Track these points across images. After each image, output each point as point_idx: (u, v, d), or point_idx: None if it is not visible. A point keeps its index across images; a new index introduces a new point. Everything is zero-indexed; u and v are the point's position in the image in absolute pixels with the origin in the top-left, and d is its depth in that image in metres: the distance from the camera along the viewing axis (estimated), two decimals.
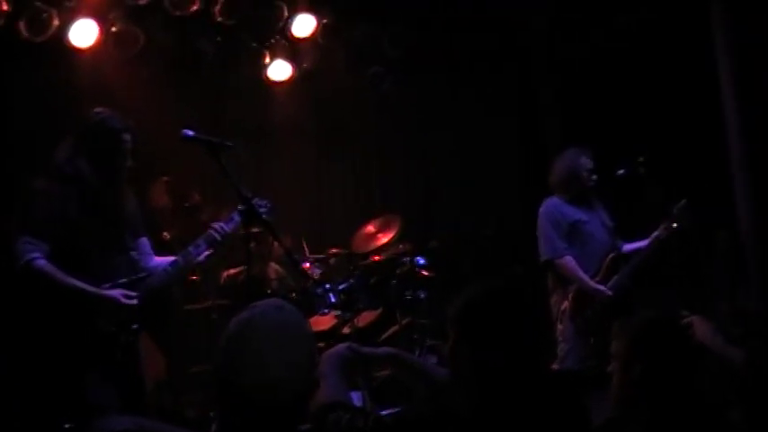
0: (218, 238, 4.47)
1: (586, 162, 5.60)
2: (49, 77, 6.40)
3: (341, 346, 2.85)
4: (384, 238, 6.87)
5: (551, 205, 5.64)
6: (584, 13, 7.29)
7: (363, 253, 6.79)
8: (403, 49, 7.58)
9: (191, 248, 4.46)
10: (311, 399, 2.32)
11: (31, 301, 4.21)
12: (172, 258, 4.49)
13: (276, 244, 5.85)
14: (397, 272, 6.62)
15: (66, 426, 4.46)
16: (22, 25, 6.18)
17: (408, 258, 6.73)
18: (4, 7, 6.09)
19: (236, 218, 4.45)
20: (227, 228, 4.50)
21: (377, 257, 6.74)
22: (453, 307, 2.59)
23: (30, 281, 4.12)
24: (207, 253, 4.51)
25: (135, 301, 4.22)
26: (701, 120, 6.85)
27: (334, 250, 6.73)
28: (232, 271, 6.40)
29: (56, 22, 6.30)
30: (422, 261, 6.81)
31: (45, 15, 6.27)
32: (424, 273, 6.76)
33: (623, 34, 7.32)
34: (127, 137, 4.35)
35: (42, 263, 4.08)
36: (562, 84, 7.92)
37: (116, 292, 4.18)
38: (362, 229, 6.94)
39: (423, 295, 6.72)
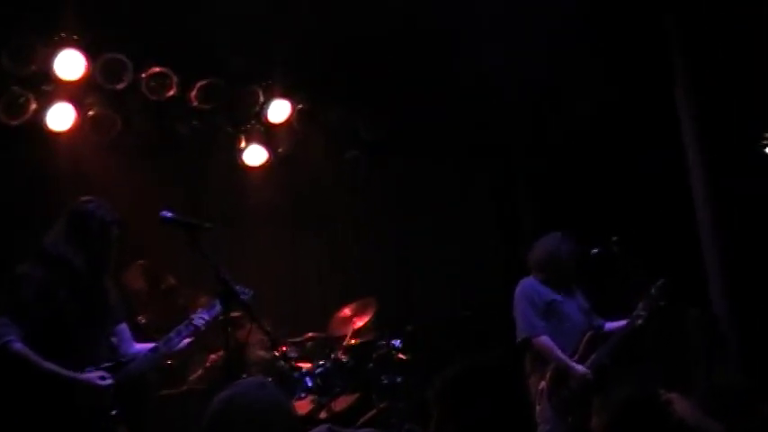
0: (201, 327, 4.46)
1: (568, 249, 5.66)
2: (25, 161, 6.39)
3: (322, 428, 2.84)
4: (360, 322, 6.83)
5: (527, 285, 5.67)
6: (555, 98, 7.44)
7: (339, 337, 6.75)
8: (379, 133, 7.68)
9: (172, 335, 4.44)
10: None
11: (6, 383, 4.16)
12: (152, 345, 4.47)
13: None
14: (374, 355, 6.58)
15: None
16: None
17: (384, 342, 6.70)
18: None
19: (218, 306, 4.43)
20: (208, 316, 4.50)
21: (353, 341, 6.69)
22: (435, 385, 2.59)
23: (4, 363, 4.08)
24: (188, 341, 4.49)
25: (110, 382, 4.18)
26: (670, 197, 6.97)
27: (310, 334, 6.69)
28: (213, 356, 6.34)
29: (33, 106, 6.38)
30: (398, 344, 6.76)
31: (22, 99, 6.35)
32: (401, 356, 6.71)
33: (591, 119, 7.46)
34: (116, 229, 4.42)
35: (18, 346, 4.06)
36: (537, 168, 8.03)
37: (92, 375, 4.15)
38: (338, 313, 6.89)
39: (399, 379, 6.66)
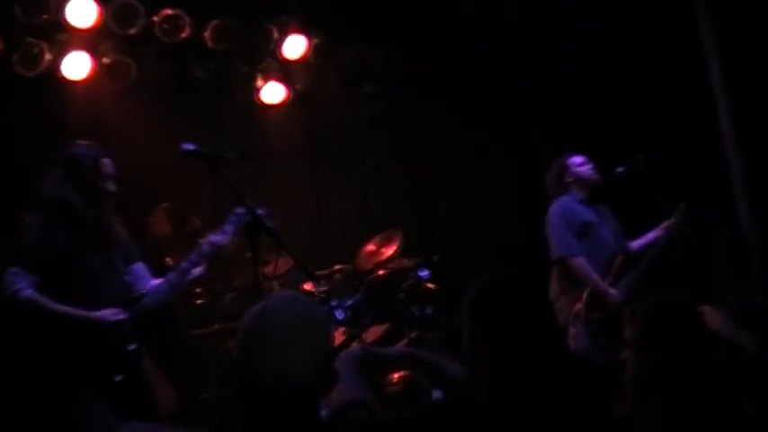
0: (210, 249, 4.46)
1: (578, 160, 5.63)
2: (43, 111, 6.38)
3: (355, 348, 2.87)
4: (387, 253, 6.85)
5: (563, 204, 5.61)
6: (574, 19, 7.31)
7: (367, 270, 6.77)
8: (395, 67, 7.61)
9: (184, 264, 4.46)
10: (330, 391, 2.29)
11: (21, 329, 4.27)
12: (166, 278, 4.49)
13: (279, 261, 5.82)
14: (402, 286, 6.60)
15: None
16: (14, 60, 6.23)
17: (412, 273, 6.72)
18: None
19: (229, 229, 4.45)
20: (219, 239, 4.48)
21: (381, 272, 6.71)
22: (467, 298, 2.58)
23: (16, 310, 4.17)
24: (202, 268, 4.52)
25: (123, 317, 4.22)
26: (695, 119, 6.86)
27: (338, 267, 6.72)
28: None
29: (48, 56, 6.35)
30: (425, 274, 6.78)
31: (37, 50, 6.32)
32: (429, 286, 6.73)
33: (613, 40, 7.34)
34: (107, 161, 4.41)
35: (29, 292, 4.13)
36: (555, 91, 7.93)
37: (104, 312, 4.20)
38: (364, 247, 6.92)
39: (429, 309, 6.69)
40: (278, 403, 2.17)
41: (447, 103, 7.86)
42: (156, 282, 4.53)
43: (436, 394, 5.42)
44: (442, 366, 2.89)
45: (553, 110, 7.99)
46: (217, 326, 6.14)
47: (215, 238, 4.49)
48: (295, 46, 7.16)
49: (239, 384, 2.21)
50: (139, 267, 4.58)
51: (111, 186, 4.40)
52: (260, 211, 4.32)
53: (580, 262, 5.42)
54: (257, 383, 2.17)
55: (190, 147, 4.28)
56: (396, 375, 6.07)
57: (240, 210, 4.38)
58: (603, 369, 4.54)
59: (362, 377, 2.76)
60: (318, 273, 6.53)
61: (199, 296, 6.24)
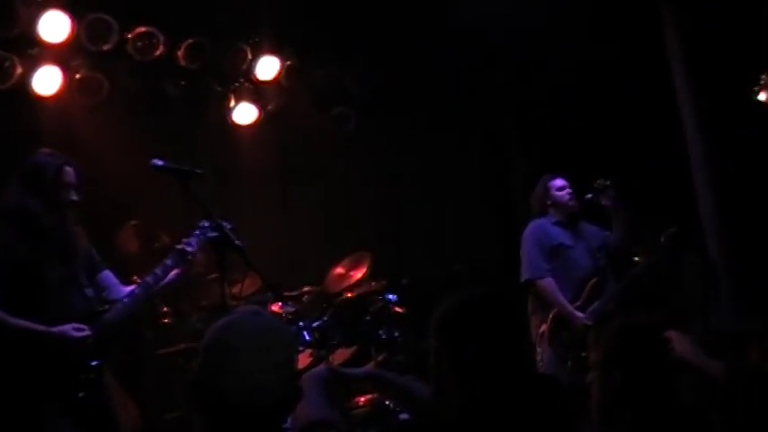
0: (187, 253, 4.39)
1: (558, 183, 5.68)
2: (14, 125, 6.34)
3: (321, 368, 2.84)
4: (356, 276, 6.85)
5: (537, 226, 5.70)
6: (544, 49, 7.38)
7: (336, 292, 6.75)
8: (366, 87, 7.64)
9: (157, 270, 4.37)
10: (294, 406, 2.28)
11: None
12: (139, 282, 4.42)
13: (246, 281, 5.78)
14: (371, 309, 6.58)
15: None
16: None
17: (380, 296, 6.71)
18: None
19: (193, 242, 4.40)
20: (192, 244, 4.41)
21: (349, 294, 6.70)
22: (434, 315, 2.58)
23: None
24: (176, 272, 4.42)
25: (86, 333, 4.12)
26: (663, 141, 6.96)
27: (306, 288, 6.70)
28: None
29: (19, 70, 6.31)
30: (393, 297, 6.77)
31: (7, 63, 6.28)
32: (398, 309, 6.72)
33: (582, 67, 7.42)
34: (69, 170, 4.30)
35: None
36: (528, 118, 7.99)
37: (66, 327, 4.09)
38: (333, 269, 6.91)
39: (396, 332, 6.68)
40: (241, 417, 2.15)
41: (418, 123, 7.90)
42: (129, 289, 4.44)
43: (403, 417, 5.41)
44: (407, 386, 2.87)
45: (527, 127, 8.05)
46: (183, 345, 6.09)
47: (190, 242, 4.42)
48: (268, 67, 7.19)
49: (202, 398, 2.19)
50: (108, 275, 4.49)
51: (74, 196, 4.28)
52: (226, 225, 4.26)
53: (547, 284, 5.50)
54: (220, 397, 2.15)
55: (159, 162, 4.24)
56: (362, 398, 6.05)
57: (205, 223, 4.33)
58: (570, 390, 4.55)
59: (328, 397, 2.74)
60: (287, 294, 6.52)
61: (165, 315, 6.20)
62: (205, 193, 4.28)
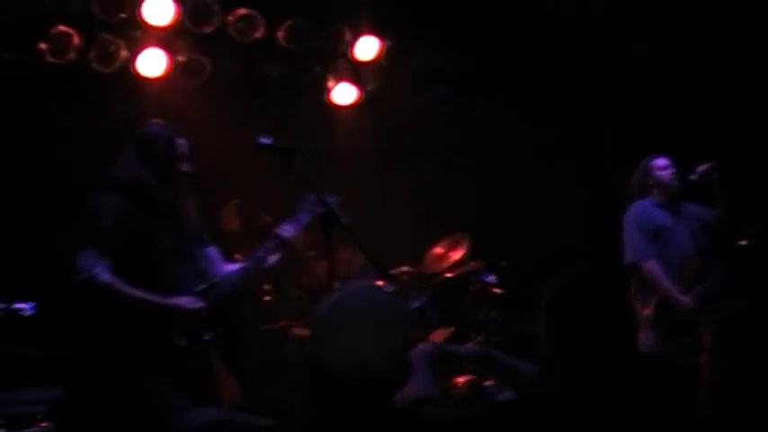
0: (284, 237, 4.42)
1: (661, 163, 5.57)
2: (118, 107, 6.48)
3: (427, 345, 2.83)
4: (454, 257, 6.82)
5: (638, 208, 5.62)
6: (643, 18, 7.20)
7: (434, 272, 6.74)
8: (465, 70, 7.58)
9: (258, 252, 4.42)
10: (404, 383, 2.26)
11: (98, 314, 4.20)
12: (240, 265, 4.47)
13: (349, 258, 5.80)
14: (469, 290, 6.56)
15: None
16: (91, 57, 6.34)
17: (478, 277, 6.68)
18: (75, 41, 6.25)
19: (302, 218, 4.42)
20: (292, 229, 4.45)
21: (448, 275, 6.68)
22: (543, 296, 2.54)
23: (92, 296, 4.09)
24: (276, 257, 4.47)
25: (201, 305, 4.16)
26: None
27: (405, 269, 6.70)
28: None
29: (124, 54, 6.45)
30: (491, 279, 6.73)
31: (113, 47, 6.43)
32: (496, 291, 6.68)
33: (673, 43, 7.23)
34: (181, 141, 4.36)
35: (105, 277, 4.03)
36: (627, 93, 7.81)
37: (182, 300, 4.13)
38: (431, 250, 6.90)
39: (494, 314, 6.64)
40: (352, 392, 2.14)
41: (516, 106, 7.79)
42: (230, 267, 4.48)
43: (502, 397, 5.37)
44: (514, 365, 2.84)
45: (624, 111, 7.87)
46: (283, 322, 6.16)
47: (291, 226, 4.45)
48: (367, 47, 7.18)
49: (313, 372, 2.19)
50: (212, 251, 4.52)
51: (185, 167, 4.33)
52: (331, 201, 4.27)
53: (652, 266, 5.41)
54: (331, 371, 2.15)
55: (266, 140, 4.26)
56: (460, 379, 6.04)
57: (311, 199, 4.33)
58: (680, 372, 4.45)
59: (433, 374, 2.73)
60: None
61: (266, 292, 6.28)
62: (309, 172, 4.27)
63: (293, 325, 6.17)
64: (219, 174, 6.34)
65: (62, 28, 6.23)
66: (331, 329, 2.18)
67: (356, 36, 7.14)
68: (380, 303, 2.22)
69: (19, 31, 6.15)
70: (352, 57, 7.20)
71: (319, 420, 2.23)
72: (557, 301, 2.50)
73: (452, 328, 6.49)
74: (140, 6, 6.34)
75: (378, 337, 2.16)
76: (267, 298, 6.25)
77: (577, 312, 2.45)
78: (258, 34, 6.72)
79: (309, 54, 7.10)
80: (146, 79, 6.60)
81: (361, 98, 7.43)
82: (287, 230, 4.44)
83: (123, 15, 6.35)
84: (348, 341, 2.14)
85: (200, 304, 4.17)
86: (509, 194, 8.06)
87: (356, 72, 7.35)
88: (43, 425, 4.95)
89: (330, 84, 7.29)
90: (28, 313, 5.37)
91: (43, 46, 6.20)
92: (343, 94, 7.37)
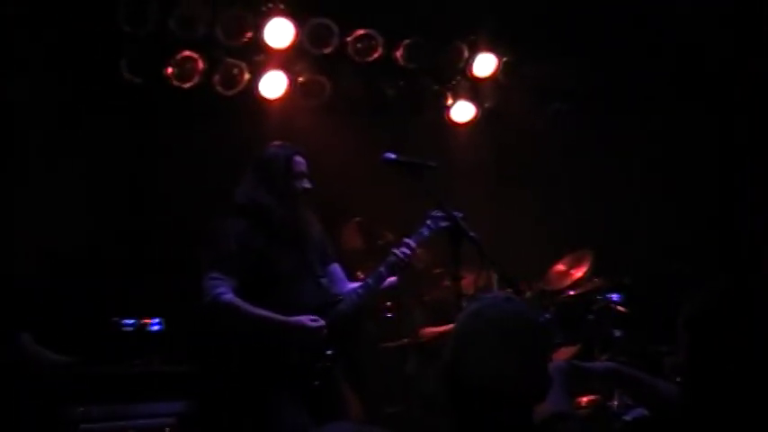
0: (406, 256, 4.40)
1: None
2: (240, 128, 6.61)
3: (561, 361, 2.76)
4: (576, 274, 6.71)
5: None
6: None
7: (557, 290, 6.64)
8: (585, 83, 7.46)
9: (381, 269, 4.42)
10: (541, 398, 2.20)
11: (222, 332, 4.31)
12: (363, 282, 4.48)
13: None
14: (593, 308, 6.43)
15: None
16: (215, 80, 6.51)
17: (602, 295, 6.54)
18: (200, 65, 6.42)
19: (425, 231, 4.41)
20: (414, 242, 4.44)
21: (571, 293, 6.57)
22: (685, 311, 2.45)
23: (217, 316, 4.20)
24: (394, 278, 4.45)
25: (322, 324, 4.18)
26: None
27: (524, 286, 6.61)
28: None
29: (246, 76, 6.60)
30: (616, 297, 6.58)
31: (236, 70, 6.57)
32: (620, 309, 6.52)
33: None
34: (299, 159, 4.43)
35: (228, 297, 4.13)
36: (752, 107, 7.54)
37: (303, 318, 4.16)
38: (553, 267, 6.80)
39: (618, 333, 6.49)
40: (490, 406, 2.11)
41: (640, 119, 7.62)
42: (354, 285, 4.51)
43: (627, 418, 5.24)
44: (652, 383, 2.76)
45: (756, 123, 7.60)
46: (405, 340, 6.16)
47: (412, 241, 4.44)
48: (485, 64, 7.15)
49: (450, 385, 2.17)
50: (336, 269, 4.58)
51: (306, 184, 4.40)
52: (458, 215, 4.24)
53: None
54: (467, 382, 2.12)
55: (392, 156, 4.27)
56: (584, 398, 5.92)
57: (436, 213, 4.31)
58: None
59: (566, 391, 2.67)
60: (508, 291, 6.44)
61: (388, 309, 6.29)
62: (434, 187, 4.25)
63: (416, 342, 6.16)
64: (341, 192, 6.40)
65: (187, 53, 6.40)
66: (468, 340, 2.15)
67: (474, 53, 7.12)
68: (516, 313, 2.19)
69: (146, 57, 6.35)
70: (471, 74, 7.19)
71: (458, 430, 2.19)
72: (698, 316, 2.42)
73: (577, 347, 6.38)
74: (262, 30, 6.46)
75: (517, 349, 2.12)
76: (389, 315, 6.26)
77: (720, 327, 2.36)
78: (377, 54, 6.77)
79: (427, 72, 7.13)
80: (267, 101, 6.73)
81: (479, 115, 7.39)
82: (409, 245, 4.42)
83: (245, 39, 6.48)
84: (487, 353, 2.11)
85: (321, 322, 4.20)
86: (632, 210, 7.88)
87: (474, 89, 7.33)
88: None
89: (448, 101, 7.30)
90: (156, 329, 5.52)
91: (169, 70, 6.38)
92: (462, 111, 7.36)
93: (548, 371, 2.21)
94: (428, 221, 4.43)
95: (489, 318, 2.16)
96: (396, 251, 4.43)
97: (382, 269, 4.43)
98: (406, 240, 4.46)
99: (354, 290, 4.45)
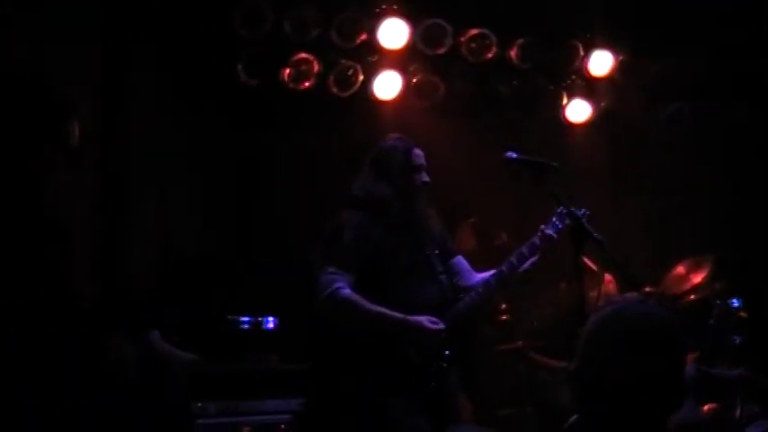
0: (544, 240, 4.28)
1: None
2: (355, 129, 6.66)
3: (689, 366, 2.68)
4: (695, 279, 6.51)
5: None
6: None
7: (675, 294, 6.46)
8: (703, 82, 7.25)
9: (512, 258, 4.28)
10: (676, 407, 2.13)
11: (338, 329, 4.24)
12: (493, 271, 4.31)
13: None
14: (714, 313, 6.23)
15: None
16: (330, 81, 6.57)
17: (722, 300, 6.34)
18: (315, 68, 6.49)
19: (558, 223, 4.28)
20: (552, 231, 4.30)
21: (691, 298, 6.38)
22: None
23: (333, 311, 4.12)
24: (532, 260, 4.30)
25: (441, 327, 4.08)
26: None
27: (646, 289, 6.46)
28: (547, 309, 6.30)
29: (360, 77, 6.64)
30: (736, 303, 6.37)
31: (351, 72, 6.62)
32: (741, 314, 6.31)
33: None
34: (418, 152, 4.35)
35: (347, 292, 4.05)
36: None
37: (422, 318, 4.06)
38: (672, 271, 6.63)
39: (738, 339, 6.27)
40: (623, 411, 2.05)
41: (763, 119, 7.36)
42: (481, 275, 4.37)
43: (751, 430, 5.06)
44: None
45: None
46: (520, 343, 6.10)
47: (549, 229, 4.32)
48: (600, 62, 7.02)
49: (579, 388, 2.12)
50: (460, 261, 4.46)
51: (425, 177, 4.32)
52: (582, 214, 4.13)
53: None
54: (599, 385, 2.07)
55: (513, 155, 4.18)
56: (705, 407, 5.74)
57: (562, 212, 4.19)
58: None
59: (695, 399, 2.59)
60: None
61: (504, 312, 6.24)
62: (557, 186, 4.14)
63: (530, 345, 6.09)
64: (455, 193, 6.37)
65: (303, 55, 6.48)
66: (601, 344, 2.10)
67: (589, 51, 7.00)
68: (654, 318, 2.12)
69: (262, 60, 6.44)
70: (586, 72, 7.07)
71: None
72: None
73: (697, 353, 6.20)
74: (376, 31, 6.49)
75: (651, 355, 2.06)
76: (504, 317, 6.20)
77: None
78: (491, 53, 6.73)
79: (542, 71, 7.05)
80: (381, 102, 6.76)
81: (594, 115, 7.26)
82: (544, 234, 4.31)
83: (359, 40, 6.52)
84: (620, 357, 2.06)
85: (440, 325, 4.09)
86: (753, 215, 7.63)
87: (590, 88, 7.21)
88: None
89: (563, 101, 7.19)
90: (270, 327, 5.58)
91: (286, 72, 6.46)
92: (577, 111, 7.24)
93: (684, 379, 2.13)
94: (554, 219, 4.31)
95: (623, 320, 2.10)
96: (533, 238, 4.33)
97: (524, 250, 4.29)
98: (543, 228, 4.35)
99: (476, 284, 4.33)
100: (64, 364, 2.33)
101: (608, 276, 5.65)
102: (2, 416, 2.24)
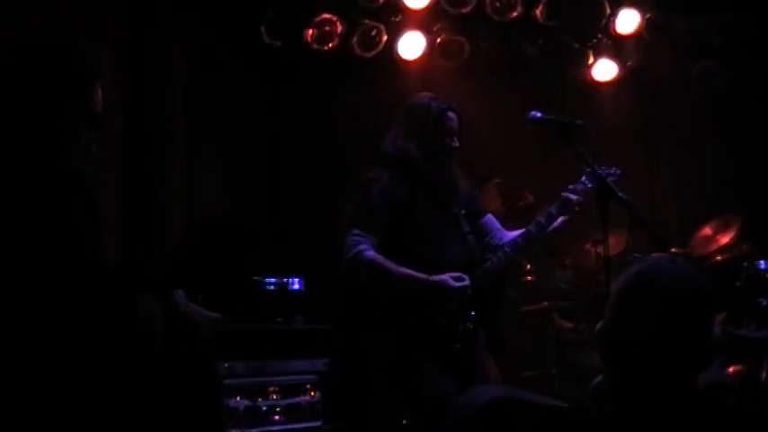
0: (572, 201, 4.20)
1: None
2: (380, 90, 6.62)
3: (715, 327, 2.65)
4: (723, 240, 6.45)
5: None
6: None
7: (702, 255, 6.41)
8: (733, 39, 7.12)
9: (540, 219, 4.20)
10: (704, 366, 2.10)
11: (363, 291, 4.21)
12: (523, 230, 4.23)
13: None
14: (742, 275, 6.18)
15: (404, 422, 4.52)
16: (354, 42, 6.53)
17: (749, 262, 6.28)
18: (339, 28, 6.45)
19: (587, 183, 4.19)
20: (580, 188, 4.22)
21: (718, 259, 6.33)
22: None
23: (357, 273, 4.06)
24: (562, 219, 4.21)
25: (466, 284, 4.02)
26: None
27: (673, 250, 6.41)
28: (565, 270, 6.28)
29: (384, 37, 6.61)
30: (764, 265, 6.31)
31: (374, 31, 6.59)
32: None
33: None
34: (451, 115, 4.24)
35: (370, 254, 3.99)
36: None
37: (445, 277, 3.99)
38: (699, 231, 6.56)
39: (764, 301, 6.22)
40: (646, 369, 2.04)
41: None
42: (512, 233, 4.29)
43: None
44: None
45: None
46: (545, 303, 6.08)
47: (578, 186, 4.24)
48: (627, 21, 6.90)
49: (608, 346, 2.10)
50: (490, 219, 4.39)
51: (455, 142, 4.23)
52: (613, 173, 4.06)
53: None
54: (627, 345, 2.05)
55: (538, 114, 4.07)
56: (730, 368, 5.71)
57: (590, 169, 4.09)
58: None
59: (721, 359, 2.57)
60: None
61: (528, 272, 6.22)
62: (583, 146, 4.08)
63: (555, 306, 6.08)
64: (480, 153, 6.33)
65: (326, 15, 6.44)
66: (627, 302, 2.07)
67: (616, 9, 6.88)
68: (680, 277, 2.09)
69: (286, 21, 6.41)
70: (613, 31, 6.96)
71: (616, 392, 2.12)
72: None
73: (724, 314, 6.17)
74: None
75: (681, 314, 2.03)
76: (529, 278, 6.19)
77: None
78: (516, 12, 6.63)
79: (568, 30, 6.95)
80: (405, 62, 6.72)
81: (621, 74, 7.17)
82: (573, 194, 4.22)
83: (383, 0, 6.46)
84: (649, 316, 2.03)
85: (465, 281, 4.02)
86: None
87: (616, 47, 7.11)
88: (312, 394, 5.14)
89: (590, 60, 7.11)
90: (296, 288, 5.60)
91: (309, 33, 6.43)
92: (604, 70, 7.16)
93: (712, 339, 2.11)
94: (582, 178, 4.24)
95: (649, 279, 2.08)
96: (563, 197, 4.23)
97: (553, 209, 4.21)
98: (570, 188, 4.25)
99: (505, 244, 4.25)
100: (93, 324, 2.34)
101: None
102: (34, 372, 2.26)
